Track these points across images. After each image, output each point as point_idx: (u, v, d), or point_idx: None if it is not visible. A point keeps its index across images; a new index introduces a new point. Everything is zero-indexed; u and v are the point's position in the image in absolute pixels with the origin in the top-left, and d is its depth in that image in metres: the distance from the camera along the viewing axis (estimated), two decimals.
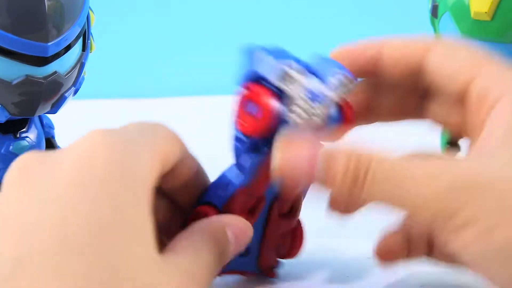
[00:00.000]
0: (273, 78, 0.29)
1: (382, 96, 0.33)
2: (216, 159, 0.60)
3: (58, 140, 0.44)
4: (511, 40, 0.40)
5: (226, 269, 0.32)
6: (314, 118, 0.29)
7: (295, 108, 0.29)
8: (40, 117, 0.42)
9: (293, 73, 0.29)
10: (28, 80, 0.36)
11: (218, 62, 0.94)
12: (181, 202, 0.32)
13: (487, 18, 0.40)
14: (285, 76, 0.29)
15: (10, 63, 0.36)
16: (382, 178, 0.26)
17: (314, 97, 0.29)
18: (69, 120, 0.57)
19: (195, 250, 0.27)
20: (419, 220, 0.27)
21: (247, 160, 0.32)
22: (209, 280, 0.27)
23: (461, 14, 0.41)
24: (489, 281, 0.27)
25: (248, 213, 0.33)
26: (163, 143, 0.28)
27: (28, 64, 0.36)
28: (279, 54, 0.30)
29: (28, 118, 0.41)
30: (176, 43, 0.94)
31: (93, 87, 0.51)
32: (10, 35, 0.35)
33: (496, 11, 0.39)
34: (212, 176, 0.46)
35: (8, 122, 0.39)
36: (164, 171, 0.28)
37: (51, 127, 0.43)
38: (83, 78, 0.41)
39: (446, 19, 0.42)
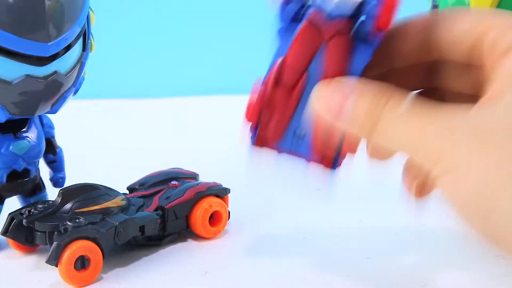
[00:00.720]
0: None
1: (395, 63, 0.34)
2: (218, 158, 0.60)
3: (58, 140, 0.44)
4: None
5: (281, 147, 0.34)
6: None
7: None
8: (40, 117, 0.42)
9: None
10: (28, 80, 0.36)
11: (218, 62, 0.94)
12: None
13: None
14: None
15: (10, 63, 0.36)
16: (391, 118, 0.28)
17: None
18: (69, 120, 0.58)
19: None
20: (416, 163, 0.28)
21: (285, 30, 0.33)
22: None
23: None
24: (465, 223, 0.27)
25: (291, 88, 0.33)
26: None
27: (28, 64, 0.36)
28: None
29: (28, 118, 0.41)
30: (176, 43, 0.94)
31: (93, 87, 0.51)
32: (10, 35, 0.35)
33: None
34: (212, 176, 0.46)
35: (8, 122, 0.39)
36: None
37: (51, 127, 0.43)
38: (83, 78, 0.41)
39: None
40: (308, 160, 0.34)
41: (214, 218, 0.42)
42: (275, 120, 0.33)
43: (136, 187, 0.44)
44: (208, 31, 0.94)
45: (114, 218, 0.38)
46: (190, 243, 0.41)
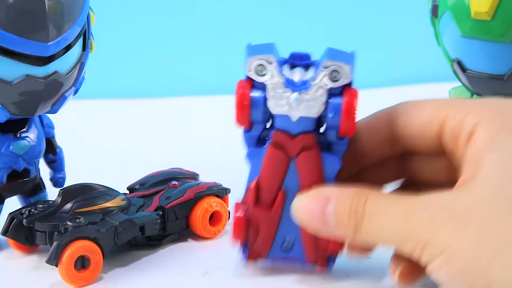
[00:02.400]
0: (250, 72, 0.33)
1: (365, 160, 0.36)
2: (218, 158, 0.60)
3: (58, 140, 0.44)
4: (511, 40, 0.40)
5: (276, 258, 0.36)
6: (307, 102, 0.32)
7: (272, 95, 0.32)
8: (40, 117, 0.42)
9: (268, 66, 0.32)
10: (28, 80, 0.36)
11: (218, 62, 0.94)
12: None
13: (487, 18, 0.40)
14: (261, 69, 0.32)
15: (10, 62, 0.36)
16: (373, 218, 0.30)
17: (291, 85, 0.32)
18: (69, 120, 0.57)
19: None
20: (405, 252, 0.30)
21: (253, 154, 0.34)
22: None
23: (461, 14, 0.41)
24: None
25: (267, 207, 0.35)
26: None
27: (28, 64, 0.36)
28: (263, 49, 0.33)
29: (28, 118, 0.41)
30: (176, 43, 0.94)
31: (93, 87, 0.51)
32: (10, 34, 0.35)
33: (496, 11, 0.39)
34: (212, 176, 0.46)
35: (8, 122, 0.39)
36: None
37: (51, 127, 0.43)
38: (83, 78, 0.41)
39: (446, 19, 0.43)
40: (303, 262, 0.36)
41: (214, 218, 0.42)
42: (261, 236, 0.35)
43: (136, 187, 0.44)
44: (208, 31, 0.93)
45: (114, 218, 0.38)
46: (190, 243, 0.41)
